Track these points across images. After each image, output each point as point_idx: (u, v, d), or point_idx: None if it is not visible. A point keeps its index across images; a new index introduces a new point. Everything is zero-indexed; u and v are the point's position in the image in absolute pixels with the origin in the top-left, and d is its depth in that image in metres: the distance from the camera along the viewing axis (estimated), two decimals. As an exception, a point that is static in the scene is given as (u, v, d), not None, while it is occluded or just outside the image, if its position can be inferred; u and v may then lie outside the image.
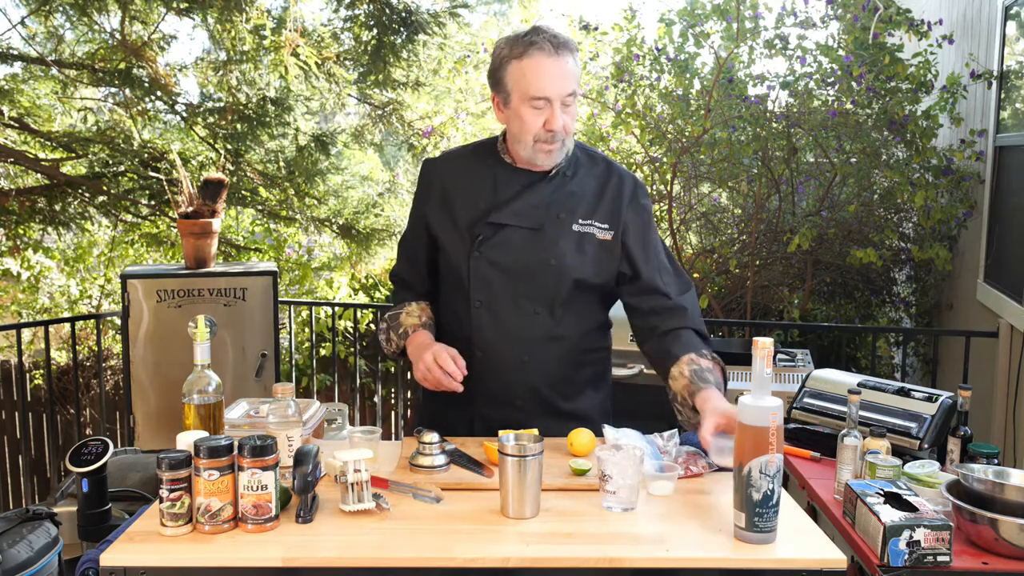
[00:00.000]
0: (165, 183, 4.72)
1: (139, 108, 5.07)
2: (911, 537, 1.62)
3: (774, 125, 4.65)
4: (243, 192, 5.33)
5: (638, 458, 1.53)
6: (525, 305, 1.93)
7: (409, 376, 5.03)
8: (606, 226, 1.94)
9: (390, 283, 2.17)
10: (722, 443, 1.66)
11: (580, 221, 1.93)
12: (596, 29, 5.35)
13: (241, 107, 5.06)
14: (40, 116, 5.22)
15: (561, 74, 1.82)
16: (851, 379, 2.51)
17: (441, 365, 1.83)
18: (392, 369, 5.40)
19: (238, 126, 5.07)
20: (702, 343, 1.92)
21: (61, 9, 4.92)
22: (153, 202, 5.13)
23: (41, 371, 5.16)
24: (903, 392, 2.33)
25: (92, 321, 5.22)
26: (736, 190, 5.27)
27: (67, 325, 4.78)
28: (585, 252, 1.93)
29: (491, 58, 1.92)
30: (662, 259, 1.99)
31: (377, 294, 6.00)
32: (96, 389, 5.22)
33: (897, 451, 2.12)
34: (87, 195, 5.09)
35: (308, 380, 5.22)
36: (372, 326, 5.44)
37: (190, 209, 3.66)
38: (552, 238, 1.91)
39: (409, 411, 5.30)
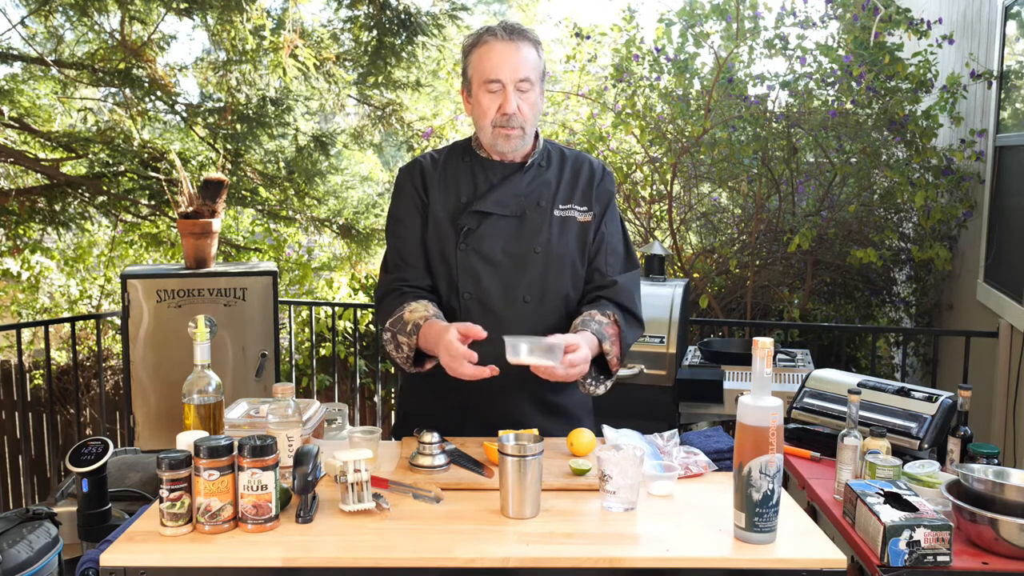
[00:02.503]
0: (165, 183, 4.73)
1: (139, 108, 5.08)
2: (911, 537, 1.62)
3: (774, 125, 4.65)
4: (243, 192, 5.33)
5: (638, 458, 1.53)
6: (515, 294, 1.94)
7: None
8: (584, 208, 2.00)
9: (381, 292, 1.99)
10: (516, 340, 1.69)
11: (560, 207, 1.98)
12: (588, 38, 5.37)
13: (241, 107, 5.06)
14: (40, 116, 5.23)
15: (514, 58, 1.88)
16: (851, 379, 2.51)
17: (456, 361, 1.73)
18: (392, 369, 5.39)
19: (238, 126, 5.08)
20: (613, 308, 1.96)
21: (61, 9, 4.93)
22: (153, 202, 5.14)
23: (41, 371, 5.15)
24: (903, 392, 2.33)
25: (92, 321, 5.22)
26: (736, 190, 5.27)
27: (67, 325, 4.77)
28: (568, 237, 1.97)
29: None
30: (615, 242, 2.04)
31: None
32: (96, 389, 5.22)
33: (897, 451, 2.12)
34: (87, 195, 5.09)
35: (308, 380, 5.22)
36: (372, 326, 5.43)
37: (190, 209, 3.66)
38: (535, 226, 1.95)
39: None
